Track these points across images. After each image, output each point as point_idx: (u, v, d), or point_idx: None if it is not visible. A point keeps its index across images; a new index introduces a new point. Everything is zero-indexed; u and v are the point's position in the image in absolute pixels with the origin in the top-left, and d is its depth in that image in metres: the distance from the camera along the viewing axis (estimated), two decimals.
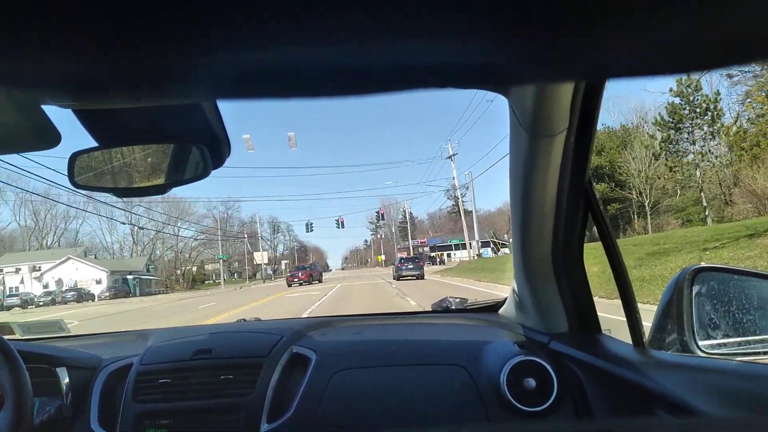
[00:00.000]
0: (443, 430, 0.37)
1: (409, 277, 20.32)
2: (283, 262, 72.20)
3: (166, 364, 1.19)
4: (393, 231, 78.22)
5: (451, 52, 0.21)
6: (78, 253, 43.76)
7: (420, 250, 51.93)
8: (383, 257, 67.27)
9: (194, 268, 54.74)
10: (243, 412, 1.10)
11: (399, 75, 0.23)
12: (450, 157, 31.36)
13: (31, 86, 0.25)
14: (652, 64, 0.23)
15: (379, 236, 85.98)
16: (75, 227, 53.04)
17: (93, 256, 46.41)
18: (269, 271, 54.92)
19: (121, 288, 39.22)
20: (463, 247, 42.80)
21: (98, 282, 39.89)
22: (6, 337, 1.00)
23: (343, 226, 43.21)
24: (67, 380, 1.17)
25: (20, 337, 1.57)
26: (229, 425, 1.10)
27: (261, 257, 49.42)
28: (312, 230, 47.02)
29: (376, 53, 0.21)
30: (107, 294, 36.75)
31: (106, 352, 1.32)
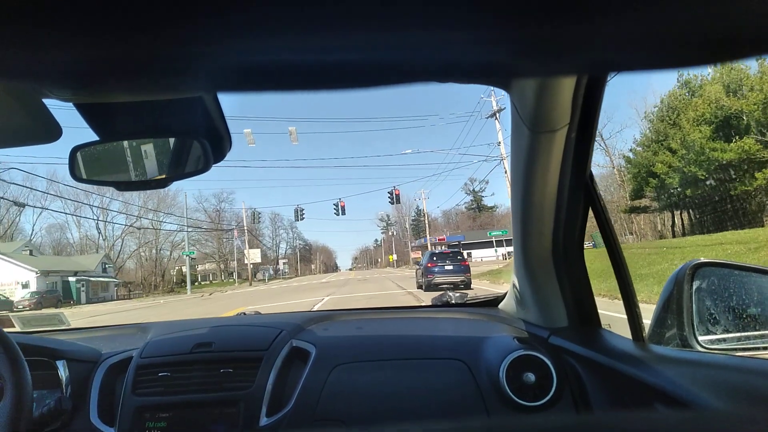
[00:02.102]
0: (442, 423, 0.44)
1: (447, 286, 13.54)
2: (281, 262, 72.18)
3: (166, 357, 1.28)
4: (406, 227, 78.09)
5: (452, 46, 0.22)
6: (16, 249, 38.61)
7: (436, 248, 51.08)
8: (395, 257, 67.38)
9: (183, 268, 51.55)
10: (242, 405, 1.18)
11: (400, 69, 0.24)
12: (494, 114, 22.06)
13: (32, 80, 0.26)
14: (654, 58, 0.24)
15: (390, 234, 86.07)
16: (30, 218, 47.50)
17: (28, 252, 39.97)
18: (271, 272, 54.56)
19: (53, 293, 32.89)
20: (506, 243, 39.22)
21: (24, 285, 33.90)
22: (6, 329, 1.08)
23: (344, 213, 35.40)
24: (66, 373, 1.27)
25: (20, 330, 1.68)
26: (229, 419, 1.18)
27: (248, 255, 46.31)
28: (302, 218, 41.50)
29: (377, 47, 0.22)
30: (27, 302, 29.19)
31: (106, 346, 1.42)
